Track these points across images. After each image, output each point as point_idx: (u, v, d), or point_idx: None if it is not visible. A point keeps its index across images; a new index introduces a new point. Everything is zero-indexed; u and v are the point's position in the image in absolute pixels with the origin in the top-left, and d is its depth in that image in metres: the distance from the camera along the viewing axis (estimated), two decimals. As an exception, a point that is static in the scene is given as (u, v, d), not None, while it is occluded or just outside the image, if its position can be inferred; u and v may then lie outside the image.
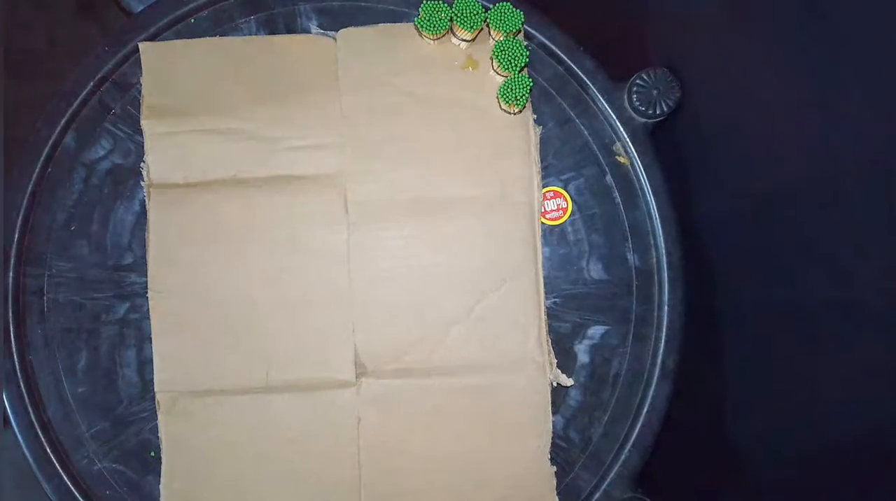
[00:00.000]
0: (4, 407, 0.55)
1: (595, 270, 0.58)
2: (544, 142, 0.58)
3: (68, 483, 0.55)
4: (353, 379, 0.55)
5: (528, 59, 0.55)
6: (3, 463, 0.57)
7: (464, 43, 0.57)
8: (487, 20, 0.55)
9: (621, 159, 0.59)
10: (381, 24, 0.57)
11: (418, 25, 0.55)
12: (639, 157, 0.58)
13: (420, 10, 0.54)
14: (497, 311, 0.56)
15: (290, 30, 0.58)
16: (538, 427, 0.56)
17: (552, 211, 0.58)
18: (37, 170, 0.56)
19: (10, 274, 0.55)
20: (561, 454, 0.57)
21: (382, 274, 0.56)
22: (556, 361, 0.57)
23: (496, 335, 0.56)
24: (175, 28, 0.58)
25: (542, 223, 0.58)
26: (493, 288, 0.56)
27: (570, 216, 0.58)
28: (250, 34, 0.58)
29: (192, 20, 0.58)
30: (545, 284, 0.57)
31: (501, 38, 0.56)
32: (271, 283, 0.55)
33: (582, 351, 0.58)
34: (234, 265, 0.55)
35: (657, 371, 0.57)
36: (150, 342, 0.55)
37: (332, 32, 0.58)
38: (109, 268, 0.57)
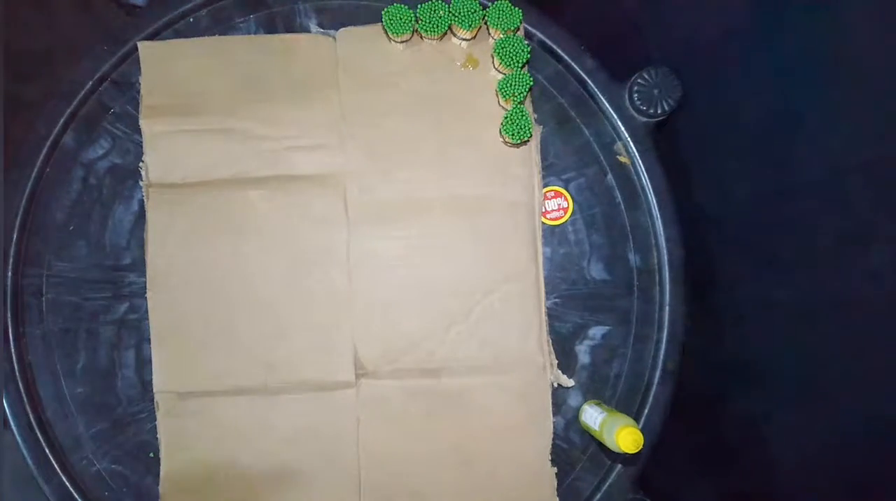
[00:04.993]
0: (4, 408, 0.55)
1: (596, 270, 0.58)
2: (545, 142, 0.58)
3: (67, 483, 0.55)
4: (353, 380, 0.55)
5: (529, 56, 0.54)
6: (2, 464, 0.57)
7: (464, 42, 0.57)
8: (486, 18, 0.55)
9: (622, 159, 0.58)
10: (380, 23, 0.57)
11: (419, 28, 0.55)
12: (640, 157, 0.58)
13: (418, 11, 0.54)
14: (497, 312, 0.56)
15: (290, 29, 0.58)
16: (539, 428, 0.56)
17: (553, 210, 0.58)
18: (35, 169, 0.56)
19: (9, 274, 0.55)
20: (562, 455, 0.57)
21: (382, 274, 0.56)
22: (556, 362, 0.57)
23: (496, 335, 0.56)
24: (174, 27, 0.58)
25: (543, 223, 0.58)
26: (493, 289, 0.56)
27: (570, 216, 0.58)
28: (249, 33, 0.58)
29: (191, 19, 0.58)
30: (546, 284, 0.57)
31: (501, 37, 0.55)
32: (271, 283, 0.55)
33: (583, 352, 0.58)
34: (233, 265, 0.55)
35: (658, 371, 0.57)
36: (149, 342, 0.55)
37: (332, 31, 0.58)
38: (108, 268, 0.57)
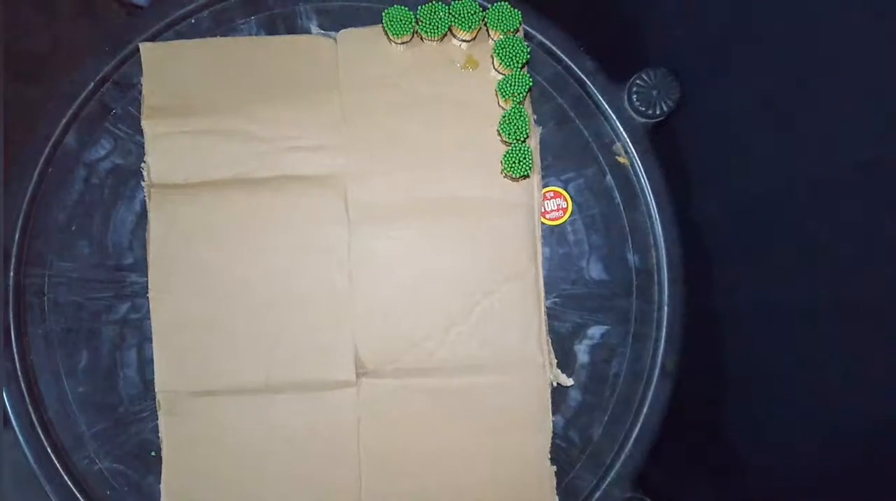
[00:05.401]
0: (5, 407, 0.55)
1: (595, 270, 0.58)
2: (544, 143, 0.58)
3: (69, 483, 0.55)
4: (354, 380, 0.55)
5: (529, 56, 0.55)
6: (3, 463, 0.57)
7: (464, 43, 0.57)
8: (486, 20, 0.55)
9: (621, 159, 0.59)
10: (381, 25, 0.57)
11: (419, 30, 0.55)
12: (639, 157, 0.58)
13: (419, 12, 0.54)
14: (497, 312, 0.56)
15: (291, 30, 0.58)
16: (538, 427, 0.56)
17: (552, 211, 0.58)
18: (37, 170, 0.56)
19: (11, 274, 0.56)
20: (561, 454, 0.57)
21: (382, 274, 0.56)
22: (556, 361, 0.57)
23: (496, 335, 0.56)
24: (175, 28, 0.58)
25: (543, 223, 0.58)
26: (493, 289, 0.56)
27: (570, 216, 0.58)
28: (250, 34, 0.58)
29: (193, 20, 0.58)
30: (545, 284, 0.57)
31: (500, 38, 0.56)
32: (271, 283, 0.55)
33: (582, 351, 0.58)
34: (234, 265, 0.55)
35: (657, 371, 0.57)
36: (151, 342, 0.55)
37: (333, 33, 0.58)
38: (110, 268, 0.57)
